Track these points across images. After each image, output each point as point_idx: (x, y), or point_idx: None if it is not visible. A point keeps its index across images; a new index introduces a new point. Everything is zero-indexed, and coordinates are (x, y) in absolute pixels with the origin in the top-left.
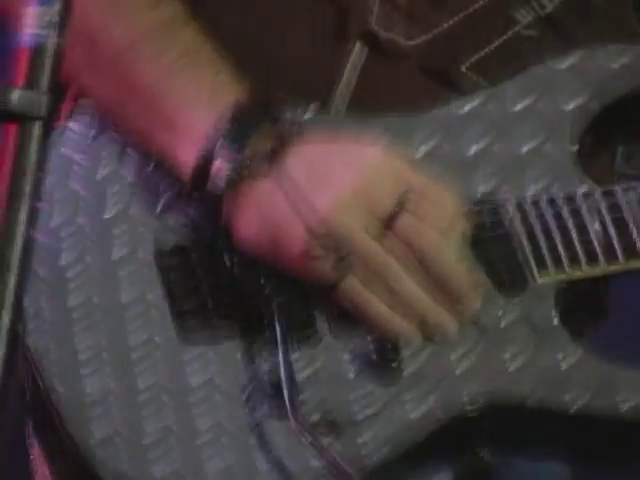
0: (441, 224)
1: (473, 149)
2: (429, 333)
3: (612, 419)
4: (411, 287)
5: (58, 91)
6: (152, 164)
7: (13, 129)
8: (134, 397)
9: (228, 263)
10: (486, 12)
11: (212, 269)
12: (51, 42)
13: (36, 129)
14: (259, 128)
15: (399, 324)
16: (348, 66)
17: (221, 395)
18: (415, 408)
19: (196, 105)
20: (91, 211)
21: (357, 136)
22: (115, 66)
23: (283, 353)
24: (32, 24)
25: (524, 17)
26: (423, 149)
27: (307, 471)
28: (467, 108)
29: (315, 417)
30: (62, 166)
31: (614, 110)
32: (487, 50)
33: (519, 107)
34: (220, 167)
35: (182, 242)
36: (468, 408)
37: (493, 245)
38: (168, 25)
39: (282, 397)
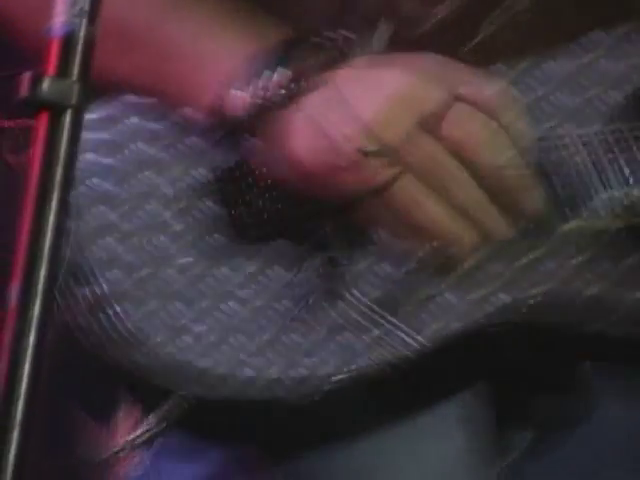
0: (493, 124)
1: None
2: (485, 234)
3: None
4: (466, 188)
5: (89, 80)
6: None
7: (44, 118)
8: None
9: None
10: None
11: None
12: (82, 31)
13: (67, 118)
14: (307, 50)
15: (454, 226)
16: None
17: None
18: (472, 298)
19: (234, 37)
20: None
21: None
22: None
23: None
24: (63, 13)
25: None
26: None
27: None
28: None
29: (374, 294)
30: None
31: None
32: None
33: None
34: (273, 83)
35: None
36: (524, 304)
37: (551, 169)
38: None
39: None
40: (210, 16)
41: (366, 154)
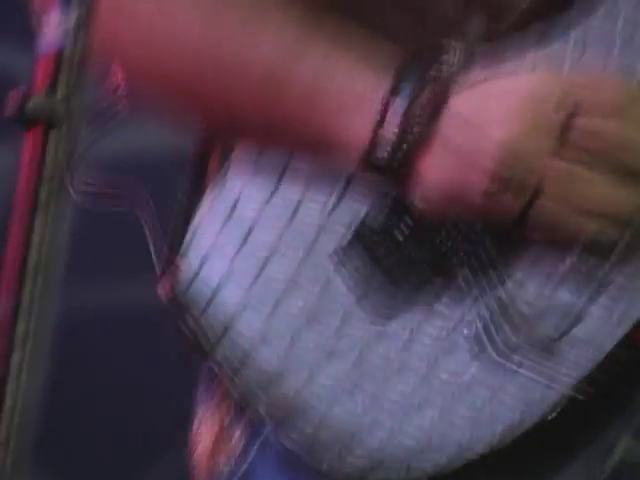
0: (615, 114)
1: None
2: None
3: None
4: (607, 192)
5: (75, 98)
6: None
7: (29, 136)
8: None
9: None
10: None
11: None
12: (71, 49)
13: (52, 137)
14: (423, 80)
15: (603, 229)
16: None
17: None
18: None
19: (360, 79)
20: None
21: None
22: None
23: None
24: (52, 30)
25: None
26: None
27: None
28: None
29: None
30: None
31: None
32: None
33: None
34: (384, 149)
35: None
36: None
37: None
38: (305, 23)
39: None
40: (337, 52)
41: (513, 188)
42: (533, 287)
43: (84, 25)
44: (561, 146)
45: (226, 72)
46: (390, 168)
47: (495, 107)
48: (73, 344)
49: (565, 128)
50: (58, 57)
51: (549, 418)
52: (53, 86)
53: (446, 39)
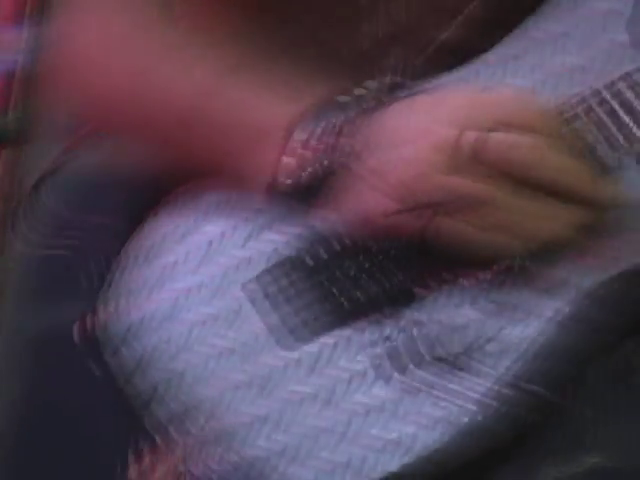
0: (525, 131)
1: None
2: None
3: None
4: (516, 209)
5: (26, 118)
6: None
7: None
8: None
9: (315, 264)
10: None
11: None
12: (22, 68)
13: (4, 156)
14: (333, 116)
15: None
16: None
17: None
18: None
19: (271, 109)
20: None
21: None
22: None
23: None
24: (5, 51)
25: None
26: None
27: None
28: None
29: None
30: None
31: None
32: None
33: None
34: (286, 175)
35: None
36: None
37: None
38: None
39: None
40: (253, 86)
41: (417, 208)
42: (440, 305)
43: (38, 46)
44: (473, 163)
45: (150, 102)
46: (297, 193)
47: (401, 128)
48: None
49: (472, 145)
50: (11, 77)
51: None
52: (5, 106)
53: (362, 72)
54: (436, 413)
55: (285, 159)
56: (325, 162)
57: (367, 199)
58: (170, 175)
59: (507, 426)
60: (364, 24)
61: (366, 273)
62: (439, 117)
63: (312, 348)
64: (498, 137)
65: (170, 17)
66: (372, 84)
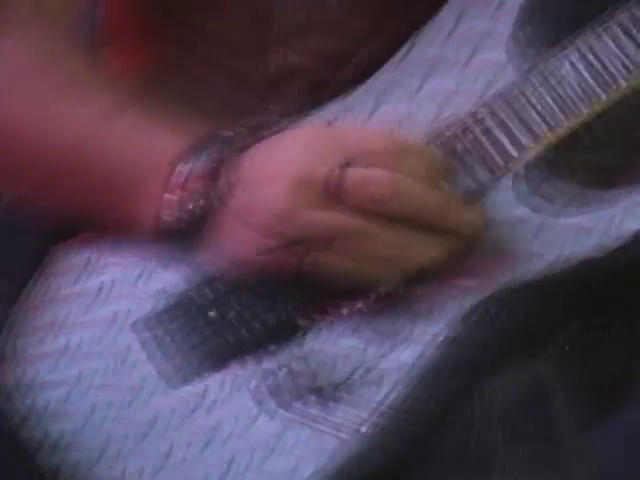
0: (385, 165)
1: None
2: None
3: None
4: (383, 241)
5: None
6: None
7: None
8: None
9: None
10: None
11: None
12: None
13: None
14: (198, 162)
15: (401, 264)
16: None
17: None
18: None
19: (157, 148)
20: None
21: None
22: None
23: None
24: None
25: None
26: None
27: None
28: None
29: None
30: None
31: None
32: None
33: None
34: (169, 212)
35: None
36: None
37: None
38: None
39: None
40: (136, 125)
41: (282, 247)
42: (323, 336)
43: None
44: (333, 198)
45: (34, 144)
46: (180, 231)
47: (268, 165)
48: None
49: (336, 180)
50: None
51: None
52: None
53: (245, 109)
54: (317, 445)
55: (167, 196)
56: (203, 200)
57: (241, 237)
58: (59, 221)
59: (384, 454)
60: (256, 63)
61: (250, 310)
62: (303, 153)
63: (199, 388)
64: (354, 172)
65: (78, 49)
66: (250, 121)
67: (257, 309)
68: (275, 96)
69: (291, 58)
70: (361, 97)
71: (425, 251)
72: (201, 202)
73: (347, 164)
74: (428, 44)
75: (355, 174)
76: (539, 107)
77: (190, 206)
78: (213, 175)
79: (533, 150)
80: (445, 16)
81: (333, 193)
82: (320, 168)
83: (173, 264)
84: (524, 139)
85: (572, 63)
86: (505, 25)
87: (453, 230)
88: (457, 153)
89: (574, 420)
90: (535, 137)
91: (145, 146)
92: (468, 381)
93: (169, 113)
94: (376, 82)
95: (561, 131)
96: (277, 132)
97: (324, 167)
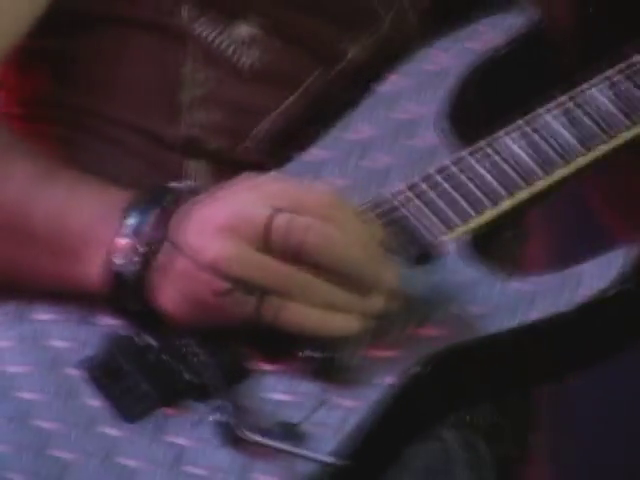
0: (320, 218)
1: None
2: (363, 315)
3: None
4: (325, 291)
5: None
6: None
7: None
8: None
9: (149, 344)
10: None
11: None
12: None
13: None
14: (146, 212)
15: (331, 322)
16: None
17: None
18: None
19: (96, 208)
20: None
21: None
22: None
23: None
24: None
25: None
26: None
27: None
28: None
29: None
30: None
31: None
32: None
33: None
34: (121, 256)
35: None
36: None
37: (396, 228)
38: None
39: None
40: (78, 186)
41: (224, 293)
42: (274, 378)
43: None
44: (270, 246)
45: None
46: (128, 276)
47: (211, 220)
48: None
49: (269, 230)
50: None
51: None
52: None
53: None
54: (286, 473)
55: (119, 241)
56: (153, 245)
57: (194, 288)
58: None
59: None
60: (169, 124)
61: (200, 351)
62: (249, 202)
63: (147, 422)
64: (283, 218)
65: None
66: (195, 171)
67: (206, 351)
68: (194, 155)
69: (202, 119)
70: (296, 171)
71: (348, 312)
72: (151, 247)
73: (279, 211)
74: (366, 123)
75: (284, 220)
76: (479, 182)
77: (141, 250)
78: (161, 223)
79: (474, 220)
80: (379, 100)
81: (264, 238)
82: (255, 215)
83: (117, 308)
84: (463, 211)
85: (513, 142)
86: (429, 110)
87: (371, 285)
88: (397, 222)
89: None
90: (475, 209)
91: (95, 195)
92: (391, 441)
93: (91, 179)
94: (310, 158)
95: (502, 205)
96: (209, 188)
97: (259, 213)
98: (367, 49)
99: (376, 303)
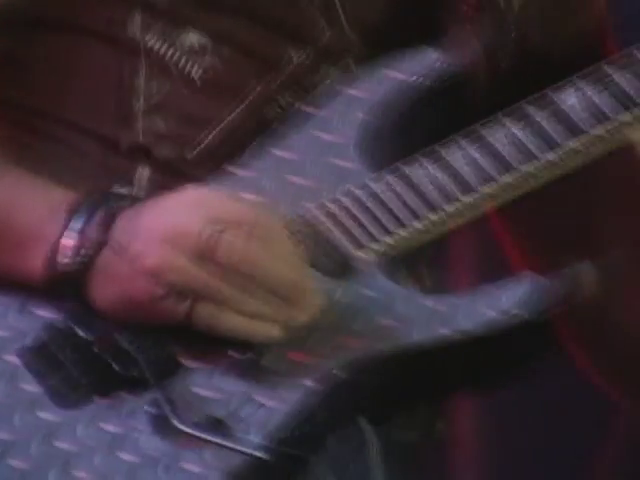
0: (253, 236)
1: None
2: (284, 326)
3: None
4: (248, 303)
5: None
6: None
7: None
8: None
9: (86, 337)
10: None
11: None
12: None
13: None
14: (91, 214)
15: (257, 329)
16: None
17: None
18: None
19: (42, 205)
20: None
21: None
22: None
23: (158, 387)
24: None
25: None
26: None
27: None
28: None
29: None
30: None
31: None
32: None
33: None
34: (65, 255)
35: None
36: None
37: (313, 246)
38: None
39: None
40: (24, 179)
41: (160, 297)
42: (203, 375)
43: None
44: (205, 259)
45: None
46: (71, 274)
47: (154, 222)
48: None
49: (205, 244)
50: None
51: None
52: None
53: (122, 180)
54: (201, 463)
55: (64, 241)
56: (96, 246)
57: (128, 284)
58: None
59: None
60: (137, 124)
61: (138, 345)
62: (190, 218)
63: (86, 408)
64: (216, 234)
65: None
66: (141, 177)
67: (145, 345)
68: (144, 162)
69: (156, 128)
70: (234, 186)
71: (268, 320)
72: (94, 248)
73: (217, 222)
74: (287, 146)
75: (218, 236)
76: (392, 206)
77: (84, 251)
78: (105, 226)
79: (385, 239)
80: (308, 120)
81: (201, 251)
82: (194, 226)
83: (59, 300)
84: (374, 231)
85: (425, 169)
86: (349, 139)
87: (295, 297)
88: (319, 237)
89: (385, 473)
90: (385, 231)
91: (40, 195)
92: (309, 439)
93: (36, 179)
94: (245, 174)
95: (410, 228)
96: (154, 196)
97: (198, 225)
98: (307, 60)
99: (299, 314)
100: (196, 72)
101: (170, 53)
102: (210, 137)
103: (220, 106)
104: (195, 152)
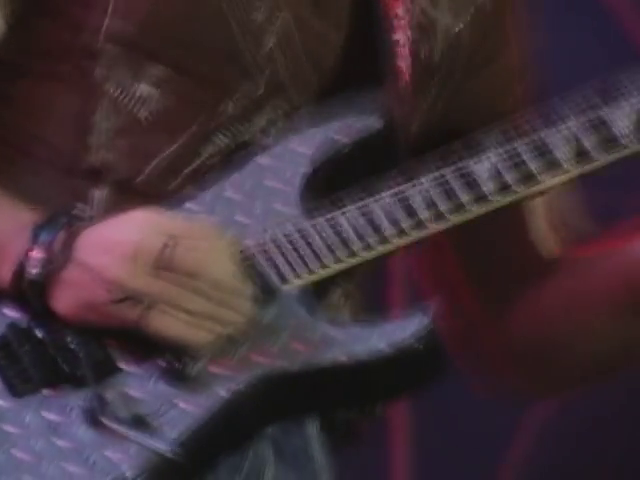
0: (203, 249)
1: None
2: (220, 332)
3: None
4: (195, 307)
5: None
6: None
7: None
8: None
9: (42, 338)
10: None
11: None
12: None
13: None
14: (56, 230)
15: (196, 335)
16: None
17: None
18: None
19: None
20: None
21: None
22: None
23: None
24: None
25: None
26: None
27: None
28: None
29: (122, 414)
30: None
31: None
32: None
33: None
34: (33, 266)
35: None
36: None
37: (252, 272)
38: None
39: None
40: None
41: (118, 301)
42: (136, 378)
43: None
44: (160, 269)
45: None
46: (31, 292)
47: (117, 246)
48: None
49: (159, 258)
50: None
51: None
52: None
53: (81, 201)
54: (124, 454)
55: (33, 254)
56: (61, 259)
57: (89, 292)
58: None
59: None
60: (94, 153)
61: (79, 348)
62: (147, 236)
63: (30, 400)
64: (172, 250)
65: None
66: (97, 198)
67: (88, 347)
68: (99, 185)
69: (107, 156)
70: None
71: (206, 329)
72: (60, 261)
73: (171, 236)
74: (235, 188)
75: (173, 256)
76: (314, 246)
77: (51, 264)
78: (67, 242)
79: (305, 274)
80: (255, 167)
81: (157, 262)
82: (152, 240)
83: (18, 304)
84: (298, 268)
85: (346, 218)
86: (296, 185)
87: (235, 301)
88: (253, 267)
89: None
90: (307, 267)
91: (8, 214)
92: (218, 443)
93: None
94: (196, 208)
95: (328, 267)
96: (109, 214)
97: (155, 239)
98: (240, 110)
99: (235, 315)
100: (142, 114)
101: (122, 98)
102: (153, 165)
103: (161, 141)
104: (140, 178)
